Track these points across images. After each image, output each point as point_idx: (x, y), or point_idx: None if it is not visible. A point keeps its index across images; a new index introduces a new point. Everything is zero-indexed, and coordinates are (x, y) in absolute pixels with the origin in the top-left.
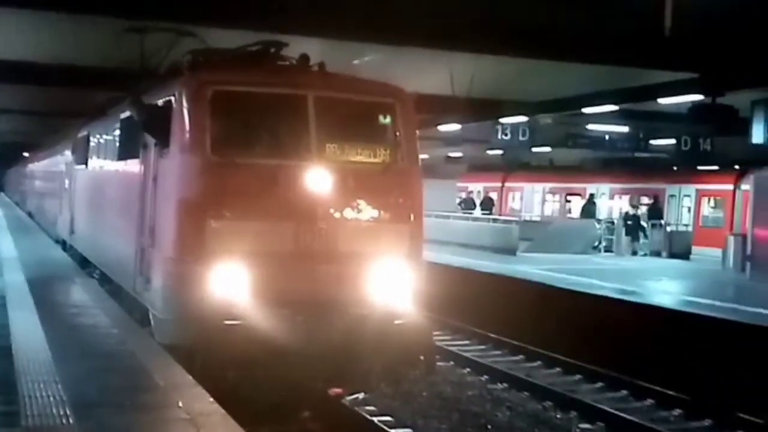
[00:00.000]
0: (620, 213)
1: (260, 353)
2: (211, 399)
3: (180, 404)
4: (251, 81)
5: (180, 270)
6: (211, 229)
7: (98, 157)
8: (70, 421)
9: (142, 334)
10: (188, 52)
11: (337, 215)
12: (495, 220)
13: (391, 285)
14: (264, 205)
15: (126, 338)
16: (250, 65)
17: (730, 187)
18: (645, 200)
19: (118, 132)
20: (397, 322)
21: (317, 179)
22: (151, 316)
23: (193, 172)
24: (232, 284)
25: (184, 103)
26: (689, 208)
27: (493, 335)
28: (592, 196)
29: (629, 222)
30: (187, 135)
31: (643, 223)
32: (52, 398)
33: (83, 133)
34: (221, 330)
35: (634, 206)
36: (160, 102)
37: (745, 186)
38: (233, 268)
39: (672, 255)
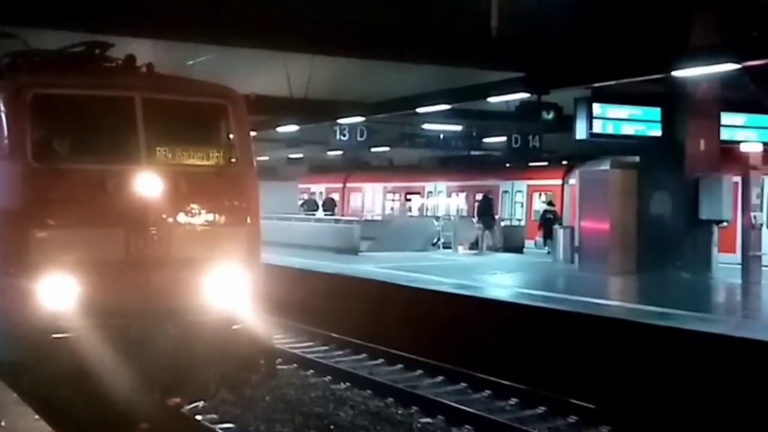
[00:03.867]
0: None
1: (92, 366)
2: (37, 416)
3: (2, 423)
4: (74, 83)
5: (3, 283)
6: (35, 239)
7: None
8: None
9: None
10: (6, 54)
11: (169, 220)
12: (337, 221)
13: (227, 290)
14: (91, 212)
15: None
16: (73, 67)
17: (559, 182)
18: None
19: None
20: (234, 327)
21: (147, 184)
22: None
23: (14, 179)
24: (59, 296)
25: (2, 108)
26: (522, 204)
27: (335, 335)
28: (486, 194)
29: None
30: (6, 141)
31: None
32: None
33: None
34: (49, 344)
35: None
36: None
37: (572, 180)
38: (61, 278)
39: (507, 249)
